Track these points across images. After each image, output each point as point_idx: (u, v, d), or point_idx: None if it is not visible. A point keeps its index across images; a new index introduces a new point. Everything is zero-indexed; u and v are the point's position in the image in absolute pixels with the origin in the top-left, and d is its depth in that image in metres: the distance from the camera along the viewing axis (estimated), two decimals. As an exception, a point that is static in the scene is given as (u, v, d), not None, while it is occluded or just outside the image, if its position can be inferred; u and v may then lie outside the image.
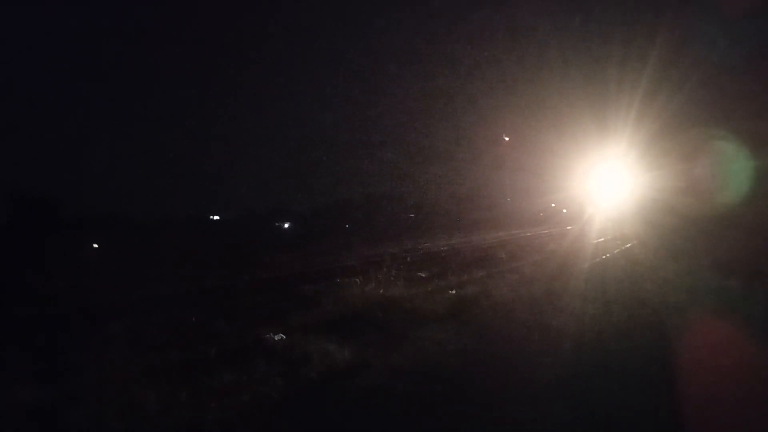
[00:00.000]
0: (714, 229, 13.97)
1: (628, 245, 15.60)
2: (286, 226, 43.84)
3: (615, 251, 14.79)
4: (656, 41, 16.77)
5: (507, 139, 28.09)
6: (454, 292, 10.99)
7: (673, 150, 17.58)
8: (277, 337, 6.99)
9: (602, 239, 17.52)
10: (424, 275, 13.73)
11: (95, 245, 32.24)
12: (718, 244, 12.51)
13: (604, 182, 24.15)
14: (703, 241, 13.16)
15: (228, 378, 5.37)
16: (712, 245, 12.52)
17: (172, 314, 10.07)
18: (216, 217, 44.20)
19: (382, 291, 11.05)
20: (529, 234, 26.20)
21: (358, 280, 12.23)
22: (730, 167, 16.03)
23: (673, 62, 16.87)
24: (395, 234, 28.75)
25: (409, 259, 16.87)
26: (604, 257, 13.83)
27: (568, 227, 21.77)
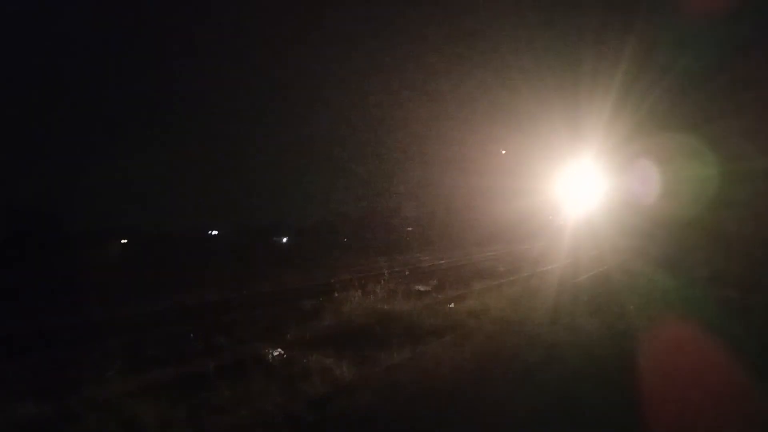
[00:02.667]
0: (699, 237, 14.09)
1: (618, 256, 15.62)
2: (284, 240, 43.81)
3: (608, 263, 14.77)
4: (626, 47, 17.18)
5: (504, 152, 28.11)
6: (452, 305, 10.99)
7: (647, 153, 17.85)
8: (275, 353, 6.98)
9: (589, 250, 17.59)
10: (422, 289, 13.73)
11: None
12: (710, 254, 12.56)
13: (582, 188, 24.15)
14: (695, 251, 13.22)
15: (226, 394, 5.35)
16: (704, 255, 12.57)
17: (171, 329, 10.06)
18: (214, 232, 44.23)
19: (380, 305, 11.05)
20: (527, 246, 26.17)
21: (357, 294, 12.24)
22: (703, 172, 16.41)
23: (644, 67, 17.28)
24: (393, 247, 28.75)
25: (407, 272, 16.88)
26: (599, 270, 13.82)
27: (559, 239, 21.77)
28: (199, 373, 6.12)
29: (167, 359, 7.31)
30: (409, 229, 33.92)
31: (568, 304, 9.24)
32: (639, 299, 9.10)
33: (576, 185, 24.00)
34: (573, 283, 11.87)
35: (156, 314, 12.21)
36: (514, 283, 13.30)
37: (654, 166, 17.57)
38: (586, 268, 14.21)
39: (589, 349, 6.55)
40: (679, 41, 16.73)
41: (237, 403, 5.11)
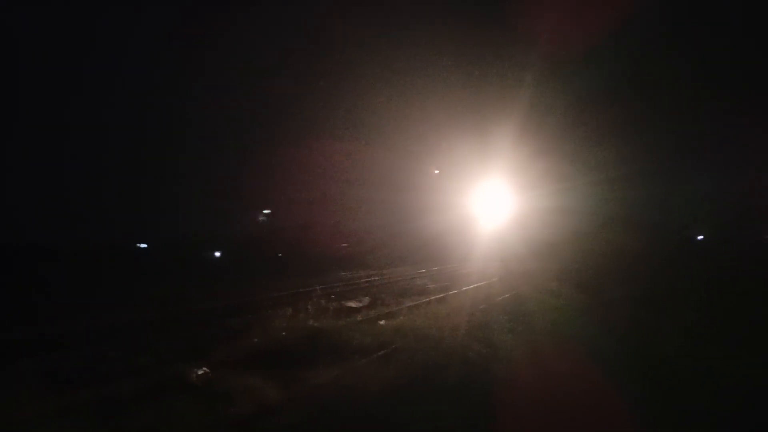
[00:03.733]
0: (612, 257, 15.23)
1: (538, 276, 16.35)
2: (217, 254, 42.72)
3: (529, 282, 15.38)
4: (524, 87, 20.12)
5: (437, 171, 28.87)
6: (382, 323, 11.18)
7: (550, 172, 20.11)
8: (200, 372, 6.91)
9: (512, 269, 18.37)
10: (354, 306, 13.88)
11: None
12: (624, 275, 13.43)
13: (500, 208, 25.41)
14: (609, 272, 14.11)
15: (147, 416, 5.29)
16: (618, 276, 13.43)
17: (91, 349, 9.72)
18: (143, 245, 42.63)
19: (311, 322, 11.11)
20: (456, 265, 26.67)
21: (288, 311, 12.25)
22: (598, 190, 18.69)
23: (537, 103, 20.16)
24: (328, 263, 28.75)
25: (339, 289, 17.00)
26: (521, 290, 14.36)
27: (484, 258, 22.61)
28: (120, 395, 5.99)
29: (86, 380, 7.09)
30: (345, 245, 34.06)
31: (489, 322, 9.65)
32: (555, 318, 9.63)
33: (495, 205, 25.29)
34: (495, 302, 12.36)
35: (76, 333, 11.75)
36: (442, 301, 13.64)
37: (555, 184, 19.75)
38: (510, 287, 14.77)
39: (508, 365, 6.91)
40: (563, 83, 19.89)
41: (157, 427, 5.08)
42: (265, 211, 41.54)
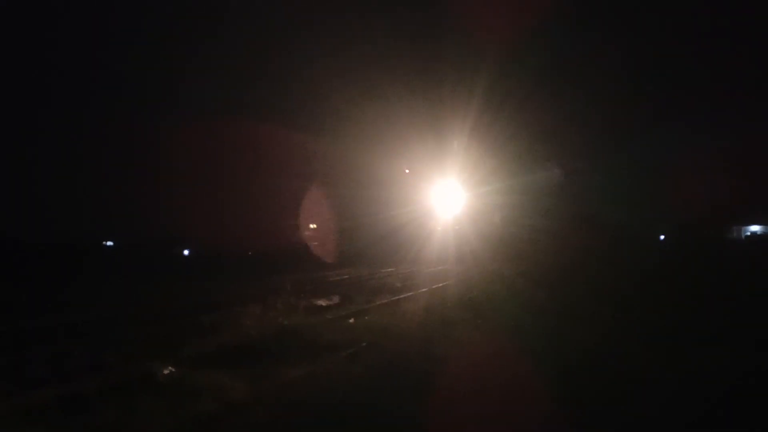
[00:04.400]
0: (573, 256, 15.68)
1: (503, 275, 16.59)
2: (186, 252, 42.30)
3: (494, 281, 15.58)
4: (474, 98, 21.97)
5: (408, 171, 29.08)
6: (352, 321, 11.23)
7: (502, 168, 21.42)
8: (166, 371, 6.83)
9: (477, 267, 18.59)
10: (323, 303, 13.91)
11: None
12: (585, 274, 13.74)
13: (447, 201, 25.86)
14: (571, 271, 14.43)
15: (110, 416, 5.21)
16: (580, 275, 13.73)
17: (54, 346, 9.53)
18: (109, 243, 42.01)
19: (281, 320, 11.08)
20: (422, 265, 26.83)
21: (257, 309, 12.18)
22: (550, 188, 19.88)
23: (486, 109, 21.97)
24: (298, 261, 28.66)
25: (309, 287, 17.00)
26: (487, 288, 14.54)
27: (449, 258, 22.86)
28: (81, 394, 5.89)
29: (47, 379, 6.95)
30: (315, 243, 34.05)
31: (456, 319, 9.78)
32: (522, 315, 9.82)
33: (453, 203, 25.75)
34: (462, 300, 12.51)
35: (38, 331, 11.50)
36: (410, 300, 13.75)
37: (505, 180, 20.94)
38: (475, 286, 14.95)
39: (475, 363, 7.03)
40: (506, 93, 21.53)
41: (121, 426, 5.01)
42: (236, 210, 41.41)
